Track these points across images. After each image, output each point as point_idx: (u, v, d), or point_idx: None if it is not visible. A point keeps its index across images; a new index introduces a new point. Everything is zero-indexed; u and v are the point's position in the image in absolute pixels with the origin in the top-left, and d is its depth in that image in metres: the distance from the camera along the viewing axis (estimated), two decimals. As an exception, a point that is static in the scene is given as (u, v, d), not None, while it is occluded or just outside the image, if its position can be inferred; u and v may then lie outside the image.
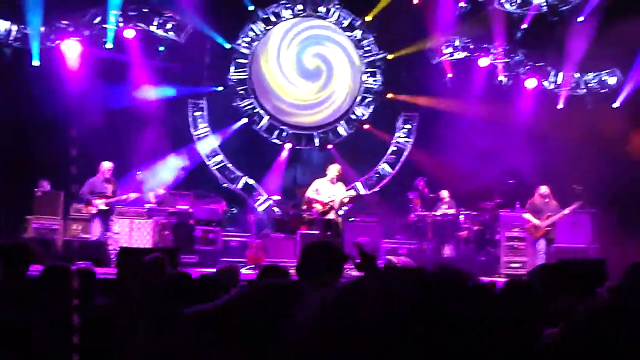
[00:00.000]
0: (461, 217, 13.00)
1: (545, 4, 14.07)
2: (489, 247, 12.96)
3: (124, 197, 11.11)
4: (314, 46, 15.48)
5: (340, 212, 10.82)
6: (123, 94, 13.77)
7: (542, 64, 14.65)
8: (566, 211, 10.58)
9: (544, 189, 10.78)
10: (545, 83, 14.74)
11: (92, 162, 11.58)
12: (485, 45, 14.70)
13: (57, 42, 13.49)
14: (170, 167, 14.14)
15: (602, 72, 14.46)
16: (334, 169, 10.50)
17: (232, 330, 1.66)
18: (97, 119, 13.14)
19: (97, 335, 4.19)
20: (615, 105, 14.05)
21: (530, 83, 14.61)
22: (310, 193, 10.54)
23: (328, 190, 10.36)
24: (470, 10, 14.43)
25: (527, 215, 10.83)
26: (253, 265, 11.54)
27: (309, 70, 15.48)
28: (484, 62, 14.66)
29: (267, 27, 15.26)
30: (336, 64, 15.51)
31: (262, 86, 15.39)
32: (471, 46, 14.78)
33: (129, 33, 13.82)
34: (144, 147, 13.76)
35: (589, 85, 14.57)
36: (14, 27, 13.14)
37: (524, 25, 14.31)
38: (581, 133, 13.34)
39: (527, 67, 14.70)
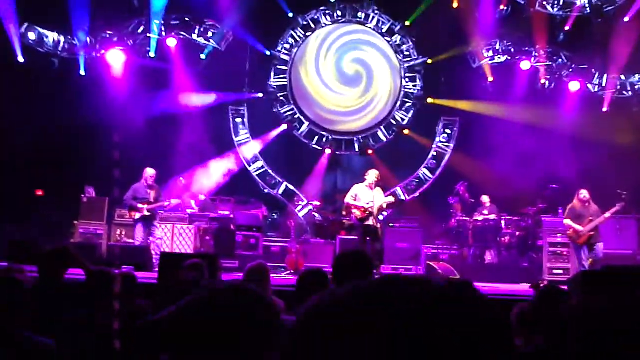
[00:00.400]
0: (503, 223, 12.83)
1: (588, 5, 13.80)
2: (531, 253, 12.75)
3: (166, 203, 11.32)
4: (352, 51, 15.54)
5: (380, 218, 10.79)
6: (166, 101, 14.05)
7: (585, 66, 14.35)
8: (607, 215, 10.19)
9: (583, 193, 10.38)
10: (590, 86, 14.43)
11: (135, 168, 11.84)
12: (526, 48, 14.49)
13: (103, 52, 13.88)
14: (212, 174, 14.37)
15: (649, 74, 14.10)
16: (372, 175, 10.48)
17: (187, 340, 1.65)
18: (140, 125, 13.48)
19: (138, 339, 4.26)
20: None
21: (574, 86, 14.32)
22: (348, 199, 10.56)
23: (367, 196, 10.35)
24: (511, 13, 14.25)
25: (568, 221, 10.43)
26: (293, 271, 11.62)
27: (349, 76, 15.54)
28: (525, 65, 14.45)
29: (307, 34, 15.37)
30: (376, 68, 15.53)
31: (302, 92, 15.51)
32: (512, 49, 14.59)
33: (171, 42, 14.13)
34: (186, 153, 14.03)
35: (635, 87, 14.21)
36: (62, 38, 13.56)
37: (567, 27, 14.05)
38: (627, 136, 13.06)
39: (570, 70, 14.43)
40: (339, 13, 15.36)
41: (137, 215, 10.96)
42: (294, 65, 15.41)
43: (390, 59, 15.51)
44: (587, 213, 10.26)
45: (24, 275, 5.20)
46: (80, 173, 12.93)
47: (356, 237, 11.07)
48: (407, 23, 15.19)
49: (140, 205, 10.91)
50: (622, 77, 14.24)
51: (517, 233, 12.92)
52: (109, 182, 13.54)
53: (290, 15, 15.11)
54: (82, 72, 13.65)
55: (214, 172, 14.63)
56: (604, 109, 14.29)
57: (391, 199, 10.58)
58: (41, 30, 13.44)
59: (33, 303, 4.21)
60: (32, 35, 13.30)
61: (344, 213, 13.67)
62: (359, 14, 15.38)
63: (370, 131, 15.59)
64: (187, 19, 14.21)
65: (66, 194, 12.47)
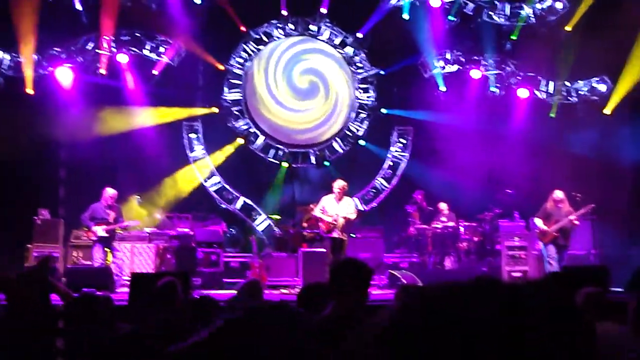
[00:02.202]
0: (461, 229, 13.05)
1: (533, 15, 14.30)
2: (489, 258, 13.02)
3: (125, 224, 11.09)
4: (303, 65, 15.54)
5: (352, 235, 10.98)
6: (119, 118, 13.75)
7: (532, 74, 14.81)
8: (572, 217, 10.36)
9: (557, 194, 10.49)
10: (537, 93, 14.89)
11: (90, 189, 11.54)
12: (476, 58, 14.86)
13: (50, 69, 13.48)
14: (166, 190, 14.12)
15: (592, 80, 14.64)
16: (336, 185, 10.53)
17: None
18: (92, 144, 13.12)
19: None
20: (606, 111, 14.20)
21: (523, 93, 14.76)
22: (316, 211, 10.62)
23: (332, 208, 10.39)
24: (460, 24, 14.63)
25: (536, 220, 10.61)
26: (257, 286, 11.50)
27: (303, 89, 15.55)
28: (475, 74, 14.81)
29: (259, 47, 15.34)
30: (331, 77, 15.60)
31: (256, 106, 15.44)
32: (462, 59, 14.94)
33: (122, 58, 13.85)
34: (141, 171, 13.75)
35: (579, 93, 14.74)
36: (7, 56, 13.13)
37: (513, 37, 14.51)
38: (574, 141, 13.52)
39: (518, 78, 14.86)
40: (291, 26, 15.40)
41: (93, 237, 10.69)
42: (247, 78, 15.34)
43: (344, 71, 15.63)
44: (557, 214, 10.41)
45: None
46: (32, 195, 12.49)
47: (322, 250, 11.08)
48: (359, 35, 15.34)
49: (95, 227, 10.64)
50: (567, 83, 14.74)
51: (475, 238, 13.17)
52: (63, 203, 13.15)
53: (243, 29, 15.05)
54: (30, 91, 13.21)
55: (169, 189, 14.38)
56: (552, 115, 14.75)
57: (352, 216, 10.55)
58: (-15, 49, 12.98)
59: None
60: (-25, 54, 12.84)
61: (305, 225, 13.67)
62: (311, 27, 15.46)
63: (326, 143, 15.64)
64: (137, 34, 13.97)
65: (18, 217, 12.03)
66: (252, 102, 15.41)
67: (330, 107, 15.63)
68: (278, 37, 15.42)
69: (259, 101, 15.43)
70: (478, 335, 0.99)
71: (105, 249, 10.86)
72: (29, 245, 11.74)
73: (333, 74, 15.62)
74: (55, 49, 13.54)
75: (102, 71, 13.67)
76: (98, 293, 6.35)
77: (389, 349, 1.03)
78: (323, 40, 15.53)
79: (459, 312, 1.03)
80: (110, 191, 10.83)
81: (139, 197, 13.18)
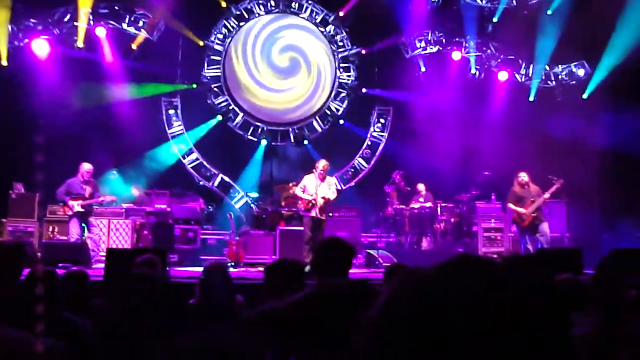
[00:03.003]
0: (438, 210, 13.15)
1: (514, -3, 14.32)
2: (466, 239, 13.14)
3: (101, 199, 10.99)
4: (282, 42, 15.44)
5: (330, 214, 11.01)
6: (95, 93, 13.56)
7: (513, 57, 14.87)
8: (546, 195, 10.51)
9: (521, 176, 10.66)
10: (517, 76, 14.97)
11: (67, 164, 11.40)
12: (457, 39, 14.87)
13: (26, 41, 13.23)
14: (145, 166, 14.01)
15: (571, 65, 14.74)
16: (320, 164, 10.55)
17: (304, 330, 1.64)
18: (69, 119, 12.94)
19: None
20: (584, 96, 14.33)
21: (502, 76, 14.83)
22: (297, 190, 10.65)
23: (312, 187, 10.41)
24: (442, 5, 14.61)
25: (511, 205, 10.71)
26: (234, 263, 11.53)
27: (284, 68, 15.47)
28: (456, 55, 14.83)
29: (240, 24, 15.19)
30: (311, 52, 15.52)
31: (236, 84, 15.33)
32: (443, 40, 14.95)
33: (100, 31, 13.63)
34: (118, 146, 13.61)
35: (558, 77, 14.83)
36: (-19, 27, 12.86)
37: (495, 19, 14.51)
38: (553, 125, 13.63)
39: (498, 60, 14.91)
40: (273, 3, 15.27)
41: (70, 212, 10.60)
42: (227, 55, 15.21)
43: (324, 49, 15.55)
44: (529, 195, 10.55)
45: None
46: (7, 169, 12.33)
47: (299, 228, 11.11)
48: (341, 13, 15.25)
49: (71, 202, 10.55)
50: (547, 67, 14.83)
51: (452, 219, 13.29)
52: (39, 177, 12.98)
53: (224, 4, 14.89)
54: (4, 63, 12.97)
55: (147, 165, 14.28)
56: (531, 98, 14.85)
57: (332, 196, 10.59)
58: (-42, 19, 12.69)
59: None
60: (-52, 24, 12.55)
61: (283, 204, 13.69)
62: (293, 4, 15.34)
63: (306, 121, 15.61)
64: (116, 7, 13.75)
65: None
66: (231, 80, 15.29)
67: (313, 82, 15.57)
68: (259, 14, 15.27)
69: (238, 80, 15.32)
70: (471, 315, 1.00)
71: (82, 224, 10.77)
72: (3, 220, 11.61)
73: (313, 48, 15.56)
74: (32, 20, 13.28)
75: (80, 44, 13.44)
76: (73, 268, 6.32)
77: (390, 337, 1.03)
78: (304, 18, 15.41)
79: (451, 292, 1.04)
80: (86, 166, 10.72)
81: (115, 172, 13.05)
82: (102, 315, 4.72)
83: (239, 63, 15.29)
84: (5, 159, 12.40)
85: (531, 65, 14.82)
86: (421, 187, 13.41)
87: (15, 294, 4.59)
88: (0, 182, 11.95)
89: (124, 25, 13.86)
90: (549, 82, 14.90)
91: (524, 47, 14.56)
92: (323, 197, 10.35)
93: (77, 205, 10.55)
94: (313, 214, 10.42)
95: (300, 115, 15.58)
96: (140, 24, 13.97)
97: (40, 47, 13.30)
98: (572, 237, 12.53)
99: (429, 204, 13.08)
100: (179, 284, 7.59)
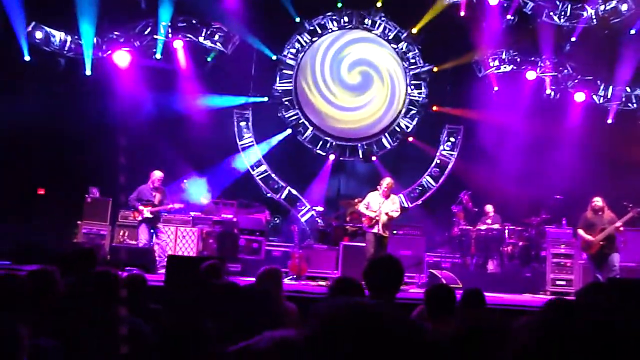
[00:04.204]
0: (506, 232, 12.80)
1: (594, 16, 13.84)
2: (534, 264, 12.73)
3: (169, 206, 11.30)
4: (359, 62, 15.49)
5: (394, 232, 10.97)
6: (171, 103, 14.02)
7: (591, 77, 14.38)
8: (618, 223, 9.83)
9: (596, 201, 10.04)
10: (595, 97, 14.45)
11: (140, 171, 11.82)
12: (532, 58, 14.52)
13: (109, 52, 13.84)
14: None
15: (654, 87, 14.13)
16: (385, 183, 10.52)
17: None
18: (145, 128, 13.46)
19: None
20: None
21: (579, 97, 14.34)
22: (361, 207, 10.65)
23: (375, 204, 10.38)
24: (518, 23, 14.32)
25: (580, 231, 10.15)
26: (295, 275, 11.60)
27: (349, 84, 15.52)
28: (531, 75, 14.46)
29: (313, 39, 15.38)
30: (382, 63, 15.49)
31: (307, 98, 15.49)
32: (518, 59, 14.61)
33: (178, 44, 14.11)
34: (190, 155, 14.00)
35: (640, 99, 14.24)
36: (69, 38, 13.54)
37: (573, 38, 14.08)
38: (632, 149, 13.07)
39: (575, 81, 14.45)
40: (346, 19, 15.39)
41: (140, 217, 10.95)
42: (299, 70, 15.41)
43: (396, 67, 15.50)
44: (600, 222, 9.92)
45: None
46: (84, 173, 12.89)
47: (362, 244, 11.08)
48: (414, 30, 15.19)
49: (141, 207, 10.89)
50: (628, 89, 14.26)
51: (520, 243, 12.90)
52: (113, 183, 13.50)
53: (297, 20, 15.12)
54: (88, 72, 13.61)
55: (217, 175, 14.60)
56: (609, 121, 14.30)
57: (396, 208, 10.53)
58: (48, 30, 13.41)
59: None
60: (38, 34, 13.27)
61: (348, 219, 13.68)
62: (366, 21, 15.40)
63: (375, 137, 15.58)
64: (194, 21, 14.21)
65: (70, 194, 12.44)
66: (302, 94, 15.47)
67: (389, 90, 15.50)
68: (332, 30, 15.41)
69: (309, 92, 15.47)
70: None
71: (151, 230, 11.09)
72: (78, 222, 12.12)
73: (381, 57, 15.52)
74: (115, 32, 13.89)
75: (158, 55, 13.95)
76: (134, 272, 6.52)
77: None
78: (377, 35, 15.43)
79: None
80: (157, 174, 11.06)
81: (185, 181, 13.40)
82: (161, 319, 4.86)
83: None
84: (83, 164, 12.96)
85: (610, 87, 14.27)
86: (489, 208, 13.10)
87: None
88: (77, 186, 12.48)
89: (201, 39, 14.29)
90: (629, 104, 14.31)
91: (602, 68, 14.06)
92: (386, 214, 10.29)
93: (146, 212, 10.88)
94: (375, 230, 10.37)
95: (370, 131, 15.56)
96: (216, 37, 14.36)
97: (122, 58, 13.88)
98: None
99: (496, 226, 12.76)
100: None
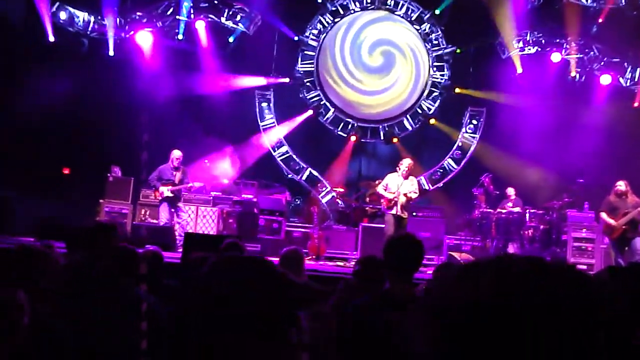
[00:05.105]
0: (527, 216, 12.70)
1: (623, -3, 13.55)
2: (554, 247, 12.61)
3: (189, 185, 11.39)
4: (381, 42, 15.38)
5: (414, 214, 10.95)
6: (193, 83, 14.09)
7: (617, 59, 14.11)
8: None
9: (619, 185, 9.86)
10: (621, 80, 14.19)
11: (162, 150, 11.93)
12: (557, 40, 14.28)
13: (132, 33, 13.93)
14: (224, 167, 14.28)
15: (683, 69, 13.82)
16: (404, 164, 10.48)
17: None
18: (168, 108, 13.56)
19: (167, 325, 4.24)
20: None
21: (605, 79, 14.08)
22: (380, 188, 10.65)
23: (395, 186, 10.36)
24: (543, 3, 14.06)
25: (603, 215, 10.01)
26: (315, 256, 11.66)
27: (371, 66, 15.43)
28: (556, 57, 14.22)
29: (335, 20, 15.30)
30: (401, 56, 15.39)
31: (328, 79, 15.45)
32: (543, 41, 14.39)
33: (200, 24, 14.14)
34: (212, 135, 14.09)
35: (667, 82, 13.95)
36: (92, 18, 13.66)
37: (600, 19, 13.80)
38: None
39: (602, 63, 14.19)
40: (368, 0, 15.27)
41: (160, 196, 11.07)
42: (321, 51, 15.36)
43: (418, 47, 15.37)
44: (623, 206, 9.76)
45: (52, 251, 5.24)
46: (106, 153, 13.06)
47: (381, 225, 11.07)
48: (437, 11, 15.03)
49: (161, 187, 11.00)
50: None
51: (541, 226, 12.78)
52: (137, 163, 13.67)
53: (320, 0, 15.03)
54: (111, 53, 13.72)
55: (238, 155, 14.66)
56: (635, 104, 14.04)
57: (415, 189, 10.51)
58: (72, 10, 13.53)
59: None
60: (62, 15, 13.40)
61: (367, 200, 13.69)
62: (389, 1, 15.27)
63: (396, 119, 15.51)
64: (216, 1, 14.21)
65: (92, 173, 12.62)
66: (324, 75, 15.43)
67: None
68: (354, 10, 15.31)
69: (331, 73, 15.43)
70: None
71: (172, 209, 11.21)
72: (101, 201, 12.29)
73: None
74: (138, 13, 13.97)
75: (180, 36, 14.01)
76: (152, 249, 6.60)
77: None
78: (400, 15, 15.30)
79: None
80: (176, 153, 11.15)
81: (207, 160, 13.50)
82: (177, 297, 4.93)
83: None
84: (106, 144, 13.12)
85: (638, 69, 13.99)
86: (511, 191, 12.99)
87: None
88: (100, 165, 12.64)
89: (223, 19, 14.31)
90: (657, 87, 14.03)
91: (630, 50, 13.78)
92: (405, 195, 10.27)
93: (167, 191, 10.99)
94: (394, 211, 10.36)
95: (388, 112, 15.49)
96: (238, 18, 14.37)
97: (144, 38, 13.97)
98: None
99: (517, 209, 12.66)
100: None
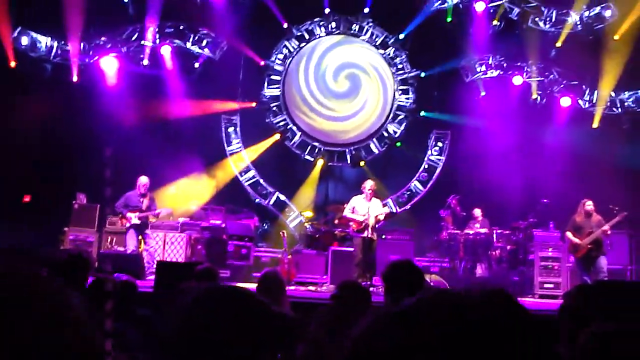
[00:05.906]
0: (494, 236, 12.86)
1: (579, 22, 14.00)
2: (522, 267, 12.78)
3: (157, 211, 11.25)
4: (344, 66, 15.52)
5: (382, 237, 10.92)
6: (160, 109, 13.97)
7: (576, 82, 14.52)
8: (606, 227, 9.98)
9: (588, 205, 10.18)
10: (580, 102, 14.59)
11: (127, 177, 11.74)
12: (519, 64, 14.64)
13: (96, 58, 13.79)
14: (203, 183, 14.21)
15: (639, 91, 14.26)
16: (367, 185, 10.53)
17: None
18: (133, 134, 13.36)
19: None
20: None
21: (565, 102, 14.47)
22: (346, 212, 10.65)
23: (363, 208, 10.39)
24: (504, 29, 14.43)
25: (568, 234, 10.31)
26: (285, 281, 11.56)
27: (338, 92, 15.54)
28: (517, 80, 14.58)
29: (301, 45, 15.40)
30: (366, 80, 15.54)
31: (295, 103, 15.50)
32: (505, 64, 14.74)
33: (165, 49, 14.08)
34: (178, 161, 13.93)
35: (625, 104, 14.38)
36: (55, 44, 13.48)
37: (558, 44, 14.22)
38: (617, 153, 13.19)
39: (561, 86, 14.58)
40: (334, 25, 15.43)
41: (127, 223, 10.90)
42: (287, 75, 15.42)
43: (383, 72, 15.55)
44: (588, 225, 10.04)
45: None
46: (71, 179, 12.81)
47: (351, 249, 11.08)
48: (401, 36, 15.27)
49: (129, 214, 10.84)
50: (612, 93, 14.40)
51: (508, 247, 12.94)
52: (101, 189, 13.40)
53: (285, 26, 15.13)
54: (75, 78, 13.54)
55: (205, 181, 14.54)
56: (594, 125, 14.43)
57: (386, 210, 10.60)
58: (34, 35, 13.34)
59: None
60: (24, 40, 13.20)
61: (336, 223, 13.68)
62: (354, 26, 15.45)
63: (363, 143, 15.61)
64: (181, 27, 14.19)
65: (57, 200, 12.35)
66: (290, 99, 15.48)
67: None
68: (320, 36, 15.44)
69: (296, 98, 15.49)
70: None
71: (139, 236, 11.04)
72: (65, 229, 12.03)
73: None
74: (102, 38, 13.84)
75: (145, 62, 13.92)
76: (124, 278, 6.47)
77: None
78: (364, 40, 15.49)
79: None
80: (143, 179, 11.02)
81: (173, 187, 13.36)
82: (150, 326, 4.83)
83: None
84: (70, 170, 12.88)
85: (595, 92, 14.42)
86: (477, 212, 13.13)
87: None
88: (64, 192, 12.39)
89: (188, 44, 14.28)
90: (614, 109, 14.45)
91: (588, 73, 14.20)
92: (376, 217, 10.31)
93: (134, 218, 10.84)
94: (365, 234, 10.38)
95: (357, 136, 15.59)
96: (204, 43, 14.35)
97: (109, 64, 13.83)
98: (637, 269, 12.04)
99: (484, 230, 12.80)
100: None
